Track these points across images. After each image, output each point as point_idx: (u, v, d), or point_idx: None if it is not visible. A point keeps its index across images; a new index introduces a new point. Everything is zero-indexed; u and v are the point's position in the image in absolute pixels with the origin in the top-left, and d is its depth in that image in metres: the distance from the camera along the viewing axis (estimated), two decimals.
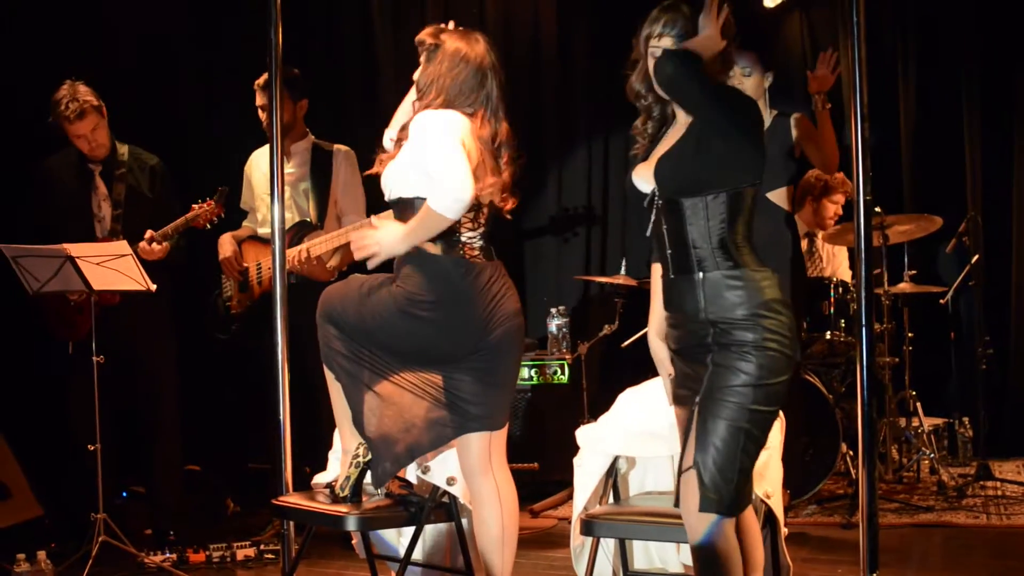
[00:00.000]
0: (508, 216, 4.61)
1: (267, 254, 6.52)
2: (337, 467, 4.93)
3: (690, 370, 3.78)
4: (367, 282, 4.53)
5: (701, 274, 3.70)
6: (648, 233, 3.89)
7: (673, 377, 3.92)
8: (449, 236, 4.43)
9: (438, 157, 4.30)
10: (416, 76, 4.61)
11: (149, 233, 6.30)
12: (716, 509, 3.63)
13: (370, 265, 4.45)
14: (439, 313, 4.40)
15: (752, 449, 3.65)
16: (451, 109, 4.45)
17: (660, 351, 4.01)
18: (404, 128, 4.57)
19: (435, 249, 4.45)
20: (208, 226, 6.47)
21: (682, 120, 3.82)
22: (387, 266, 4.49)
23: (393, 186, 4.52)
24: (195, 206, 6.36)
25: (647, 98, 3.93)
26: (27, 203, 6.69)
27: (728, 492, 3.63)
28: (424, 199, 4.33)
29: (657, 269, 3.98)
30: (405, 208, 4.47)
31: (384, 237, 4.41)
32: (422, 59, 4.60)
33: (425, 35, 4.60)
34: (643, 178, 3.83)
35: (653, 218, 3.82)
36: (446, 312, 4.40)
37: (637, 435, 4.56)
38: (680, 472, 3.73)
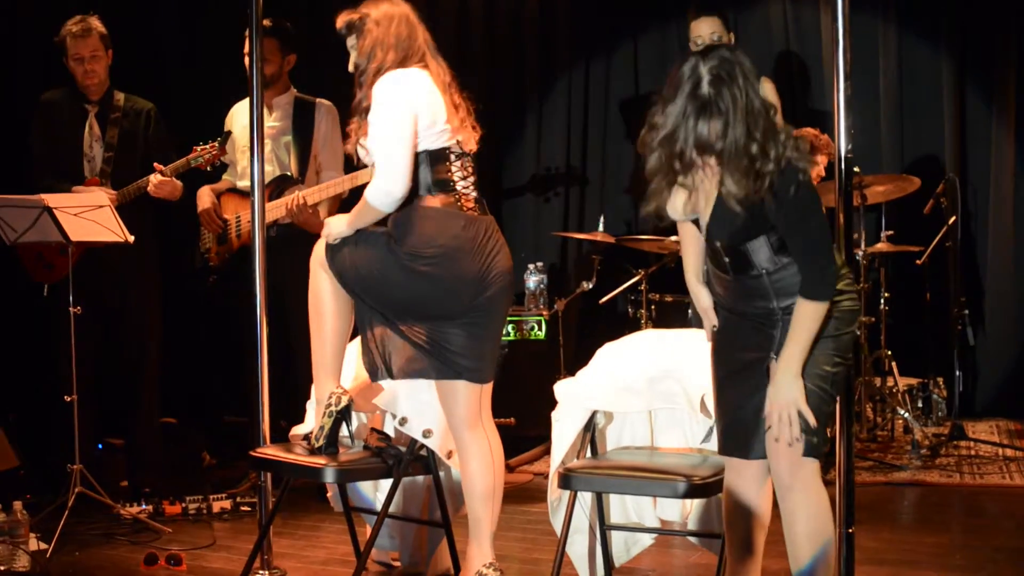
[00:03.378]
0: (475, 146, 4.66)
1: (246, 207, 6.51)
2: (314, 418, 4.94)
3: (754, 335, 3.78)
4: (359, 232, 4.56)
5: (767, 276, 3.72)
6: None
7: (717, 329, 3.92)
8: (445, 186, 4.46)
9: (379, 147, 4.44)
10: (353, 62, 4.61)
11: (158, 167, 6.27)
12: (817, 453, 3.66)
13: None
14: (439, 268, 4.42)
15: (828, 398, 3.71)
16: (405, 67, 4.47)
17: (703, 298, 3.97)
18: (355, 110, 4.60)
19: (434, 201, 4.47)
20: (209, 168, 6.45)
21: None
22: None
23: (364, 158, 4.61)
24: (197, 148, 6.33)
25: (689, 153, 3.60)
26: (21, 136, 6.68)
27: (823, 435, 3.68)
28: None
29: (689, 227, 3.96)
30: None
31: (333, 223, 4.58)
32: (351, 41, 4.62)
33: (344, 16, 4.62)
34: (678, 211, 3.80)
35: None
36: (445, 267, 4.42)
37: (615, 390, 4.56)
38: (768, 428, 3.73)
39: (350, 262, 4.53)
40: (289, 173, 6.54)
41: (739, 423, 3.81)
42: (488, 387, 4.60)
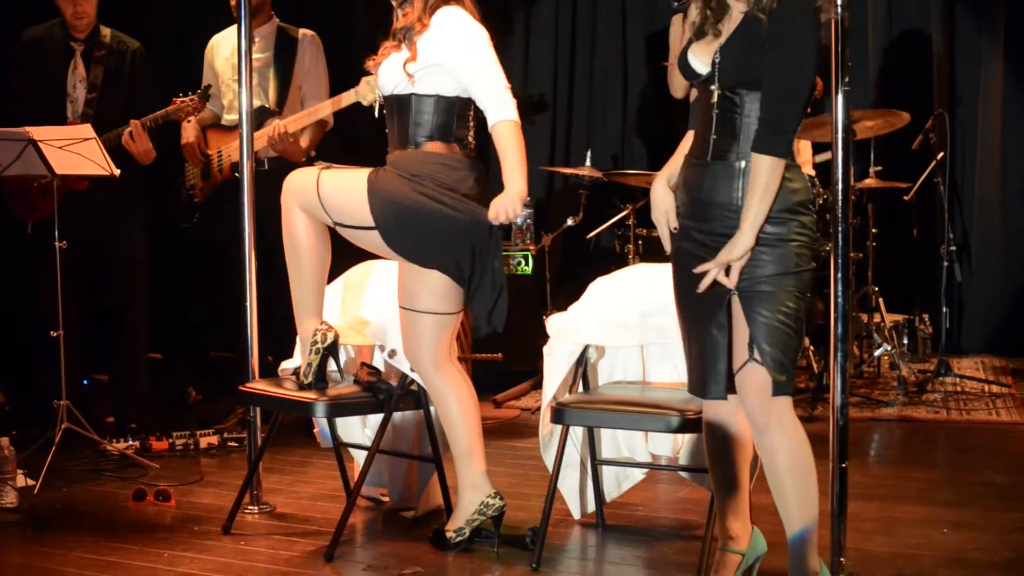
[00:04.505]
0: None
1: (228, 141, 6.45)
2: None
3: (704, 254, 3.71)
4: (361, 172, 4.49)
5: (743, 163, 3.65)
6: (692, 103, 3.87)
7: (674, 235, 3.85)
8: (461, 138, 4.42)
9: (493, 76, 4.39)
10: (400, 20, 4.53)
11: (132, 124, 6.19)
12: (787, 391, 3.62)
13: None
14: (463, 214, 4.39)
15: (795, 335, 3.63)
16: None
17: (665, 200, 3.85)
18: (399, 33, 4.49)
19: (443, 149, 4.43)
20: (189, 120, 6.38)
21: (737, 9, 3.70)
22: None
23: (387, 84, 4.48)
24: (176, 99, 6.25)
25: None
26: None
27: (791, 373, 3.63)
28: (418, 95, 4.40)
29: (690, 137, 3.90)
30: (402, 105, 4.44)
31: (510, 195, 4.40)
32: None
33: None
34: (700, 60, 3.75)
35: (703, 99, 3.75)
36: (467, 212, 4.39)
37: (607, 324, 4.55)
38: (736, 368, 3.68)
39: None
40: (267, 105, 6.46)
41: (709, 360, 3.77)
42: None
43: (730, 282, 3.62)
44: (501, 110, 4.36)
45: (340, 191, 4.46)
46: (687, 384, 3.88)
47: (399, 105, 4.45)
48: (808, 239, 3.66)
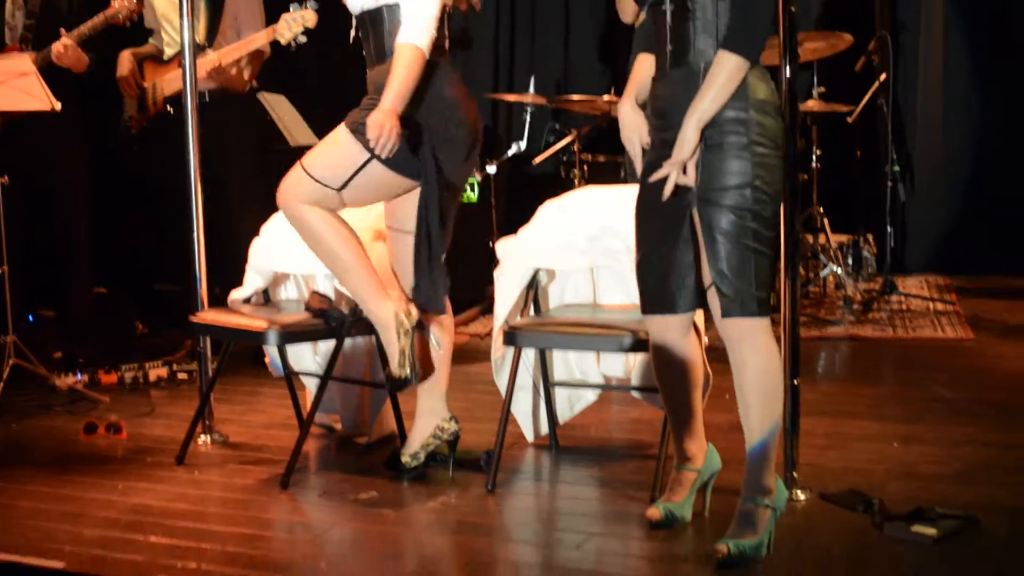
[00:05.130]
0: None
1: (163, 74, 6.38)
2: (256, 281, 4.89)
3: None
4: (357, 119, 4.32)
5: (702, 64, 3.60)
6: (637, 28, 3.83)
7: (641, 179, 3.83)
8: (439, 45, 4.33)
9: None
10: None
11: (63, 35, 6.09)
12: (740, 312, 3.58)
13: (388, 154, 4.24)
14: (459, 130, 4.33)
15: (764, 249, 3.58)
16: None
17: (634, 119, 3.79)
18: None
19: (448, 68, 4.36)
20: (128, 24, 6.24)
21: None
22: None
23: (355, 3, 4.36)
24: (114, 2, 6.13)
25: None
26: None
27: (749, 293, 3.57)
28: (388, 6, 4.26)
29: (643, 58, 3.85)
30: (374, 19, 4.33)
31: (377, 112, 4.17)
32: None
33: None
34: None
35: (656, 19, 3.70)
36: (453, 124, 4.32)
37: (557, 248, 4.54)
38: (707, 285, 3.65)
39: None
40: (196, 40, 6.35)
41: (664, 277, 3.75)
42: None
43: (689, 179, 3.59)
44: (412, 34, 4.19)
45: (326, 155, 4.32)
46: (643, 305, 3.86)
47: (371, 20, 4.35)
48: (772, 148, 3.59)
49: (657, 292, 3.78)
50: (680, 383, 3.87)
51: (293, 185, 4.31)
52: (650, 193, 3.72)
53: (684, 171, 3.58)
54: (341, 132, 4.31)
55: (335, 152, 4.30)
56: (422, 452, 4.48)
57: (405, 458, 4.48)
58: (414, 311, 4.33)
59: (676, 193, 3.63)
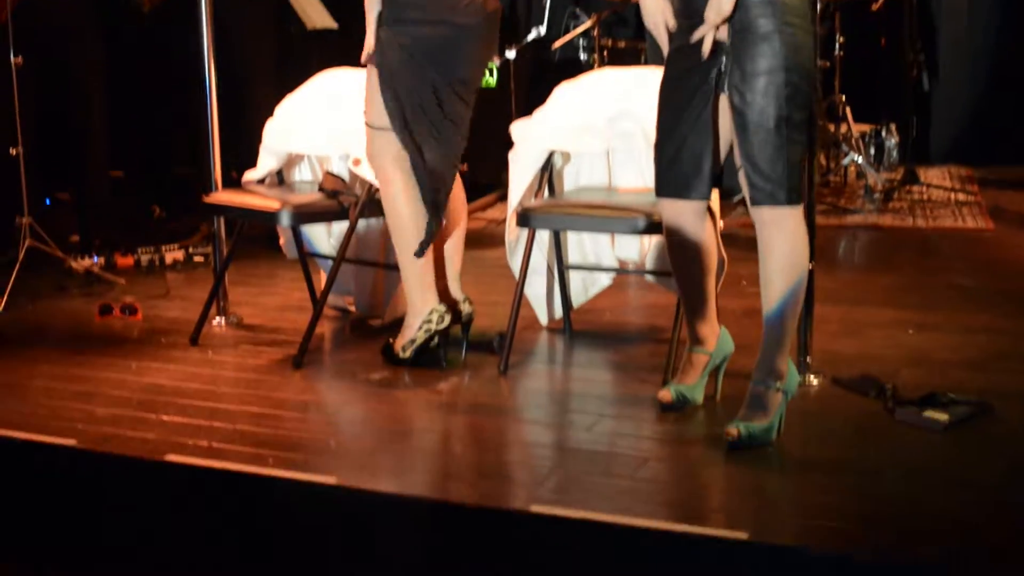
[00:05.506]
0: None
1: None
2: (270, 162, 4.86)
3: (700, 59, 3.62)
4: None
5: None
6: None
7: (672, 36, 3.76)
8: None
9: None
10: None
11: None
12: (769, 202, 3.54)
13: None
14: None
15: (797, 136, 3.54)
16: None
17: (658, 2, 3.69)
18: None
19: None
20: None
21: None
22: None
23: None
24: None
25: None
26: None
27: (780, 183, 3.53)
28: None
29: None
30: None
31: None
32: None
33: None
34: None
35: None
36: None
37: (573, 129, 4.49)
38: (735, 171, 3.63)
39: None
40: None
41: (681, 162, 3.71)
42: None
43: (723, 35, 3.53)
44: None
45: (369, 101, 4.29)
46: (656, 187, 3.82)
47: None
48: (802, 26, 3.53)
49: (672, 176, 3.74)
50: (694, 266, 3.85)
51: (368, 145, 4.32)
52: (675, 77, 3.68)
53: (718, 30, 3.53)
54: (368, 70, 4.28)
55: (373, 95, 4.27)
56: (414, 344, 4.39)
57: (397, 348, 4.43)
58: (448, 317, 4.35)
59: (703, 76, 3.59)
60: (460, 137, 4.33)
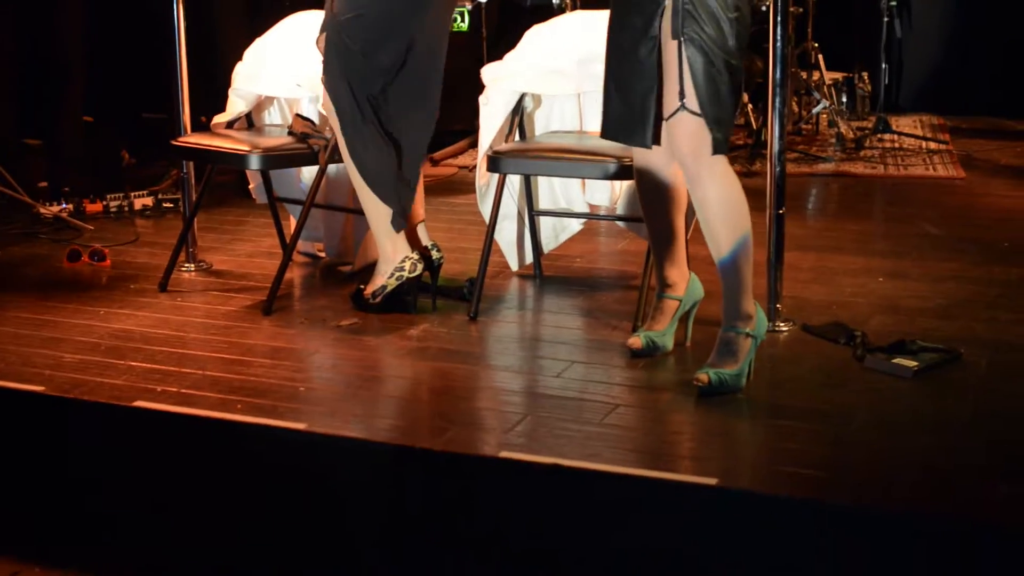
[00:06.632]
0: None
1: None
2: (239, 105, 4.82)
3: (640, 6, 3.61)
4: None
5: None
6: None
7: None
8: None
9: None
10: None
11: None
12: (722, 150, 3.54)
13: None
14: None
15: (729, 82, 3.53)
16: None
17: None
18: None
19: None
20: None
21: None
22: None
23: None
24: None
25: None
26: None
27: (726, 133, 3.55)
28: None
29: None
30: None
31: None
32: None
33: None
34: None
35: None
36: None
37: (544, 72, 4.47)
38: (666, 116, 3.60)
39: None
40: None
41: (626, 107, 3.70)
42: None
43: None
44: None
45: None
46: (601, 130, 3.81)
47: None
48: None
49: (615, 121, 3.73)
50: (663, 207, 3.84)
51: (325, 101, 4.32)
52: (620, 20, 3.68)
53: None
54: None
55: None
56: (384, 289, 4.36)
57: (367, 294, 4.41)
58: (420, 266, 4.33)
59: (646, 20, 3.57)
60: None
